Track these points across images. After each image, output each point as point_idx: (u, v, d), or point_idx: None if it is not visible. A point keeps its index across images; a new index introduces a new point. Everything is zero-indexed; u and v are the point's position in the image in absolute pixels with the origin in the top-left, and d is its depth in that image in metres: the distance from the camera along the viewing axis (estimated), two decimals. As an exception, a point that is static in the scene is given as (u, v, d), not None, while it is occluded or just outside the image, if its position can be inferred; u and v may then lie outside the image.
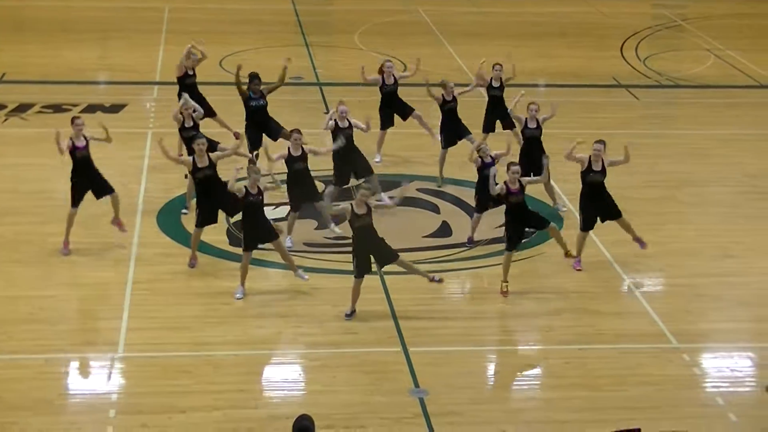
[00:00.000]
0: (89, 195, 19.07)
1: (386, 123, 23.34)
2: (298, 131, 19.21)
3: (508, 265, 18.12)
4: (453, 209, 21.45)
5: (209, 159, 18.37)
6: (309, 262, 18.91)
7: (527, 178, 18.22)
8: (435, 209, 21.46)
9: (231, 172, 17.70)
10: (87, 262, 18.79)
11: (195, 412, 14.70)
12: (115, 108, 26.70)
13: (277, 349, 16.61)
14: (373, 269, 17.26)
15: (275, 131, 21.89)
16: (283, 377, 15.96)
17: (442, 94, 22.17)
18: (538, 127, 20.66)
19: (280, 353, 16.51)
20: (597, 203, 18.75)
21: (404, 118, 23.44)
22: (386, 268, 17.78)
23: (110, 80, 29.41)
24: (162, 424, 14.45)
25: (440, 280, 17.64)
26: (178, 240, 19.71)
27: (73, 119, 18.97)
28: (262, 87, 21.71)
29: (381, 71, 23.17)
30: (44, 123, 25.42)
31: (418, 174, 22.97)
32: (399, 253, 17.27)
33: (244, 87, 21.63)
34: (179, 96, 22.47)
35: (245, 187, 17.34)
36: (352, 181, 20.98)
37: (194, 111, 20.49)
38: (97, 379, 15.56)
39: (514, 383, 16.11)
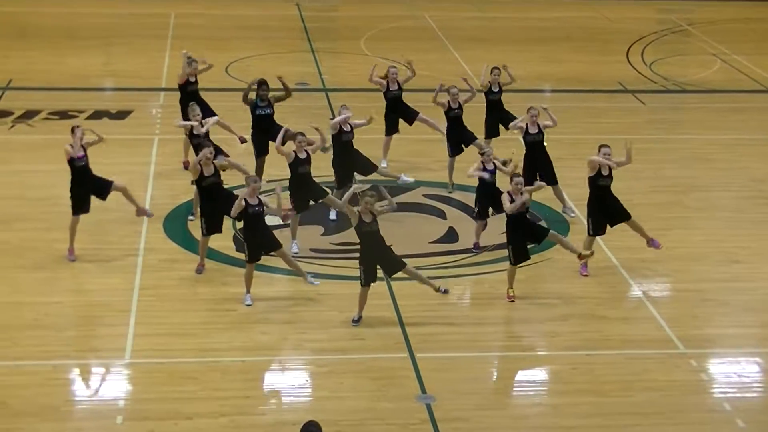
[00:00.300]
0: (94, 203, 19.04)
1: (391, 129, 23.32)
2: (303, 134, 19.19)
3: (512, 277, 18.10)
4: (459, 215, 21.43)
5: (214, 166, 18.37)
6: (316, 268, 18.89)
7: (527, 188, 18.13)
8: (441, 215, 21.45)
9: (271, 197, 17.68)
10: (93, 269, 18.80)
11: (201, 418, 14.70)
12: (121, 114, 26.73)
13: (284, 355, 16.60)
14: (379, 275, 17.24)
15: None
16: (290, 383, 15.96)
17: (448, 101, 22.16)
18: (540, 132, 20.64)
19: (286, 359, 16.50)
20: (606, 208, 18.73)
21: (410, 123, 23.42)
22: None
23: (116, 86, 29.44)
24: (168, 431, 14.44)
25: (446, 291, 17.63)
26: (184, 246, 19.71)
27: (72, 128, 18.89)
28: (270, 95, 21.69)
29: (386, 77, 23.17)
30: (50, 129, 25.47)
31: (424, 180, 22.95)
32: (405, 261, 17.25)
33: (252, 96, 21.61)
34: (181, 104, 22.52)
35: (244, 198, 17.30)
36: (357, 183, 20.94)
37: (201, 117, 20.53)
38: (103, 386, 15.57)
39: (521, 389, 16.10)
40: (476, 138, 22.29)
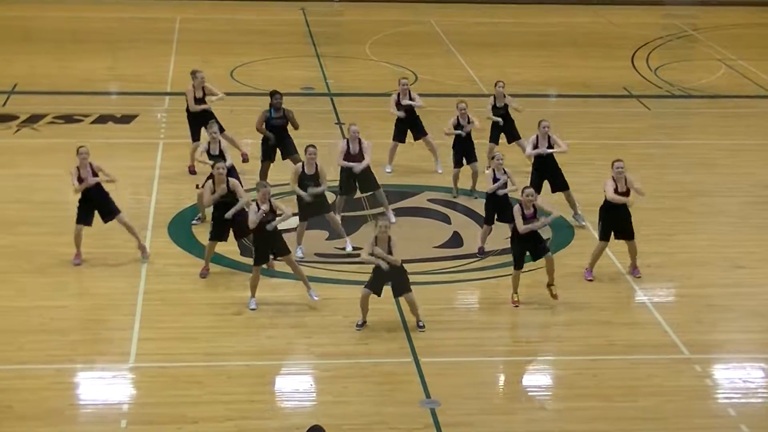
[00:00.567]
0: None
1: (398, 136, 23.32)
2: (313, 146, 19.18)
3: (516, 282, 18.10)
4: (464, 220, 21.43)
5: (228, 185, 18.36)
6: (320, 273, 18.90)
7: (543, 220, 17.98)
8: (446, 220, 21.46)
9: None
10: (98, 273, 18.82)
11: (206, 422, 14.70)
12: (126, 118, 26.75)
13: (289, 359, 16.60)
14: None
15: (289, 150, 21.78)
16: (295, 388, 15.96)
17: (457, 116, 22.09)
18: (550, 147, 20.60)
19: (291, 364, 16.50)
20: (616, 218, 18.73)
21: (415, 138, 23.45)
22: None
23: (121, 91, 29.46)
24: (173, 435, 14.49)
25: (423, 327, 17.45)
26: (189, 250, 19.72)
27: (78, 149, 18.86)
28: (284, 107, 21.62)
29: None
30: (56, 134, 25.51)
31: (428, 184, 22.97)
32: (411, 288, 17.17)
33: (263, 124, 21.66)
34: (190, 121, 22.54)
35: (256, 202, 17.30)
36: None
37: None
38: (108, 390, 15.56)
39: (525, 394, 16.08)
40: (476, 160, 22.22)
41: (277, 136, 21.64)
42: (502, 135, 23.12)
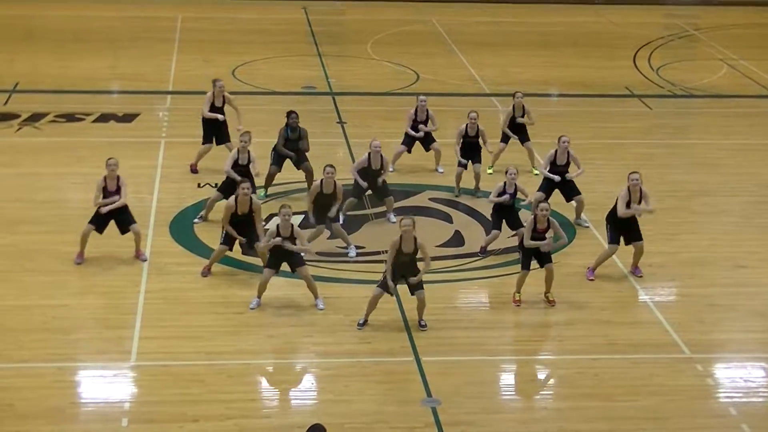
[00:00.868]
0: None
1: (408, 143, 23.25)
2: (331, 166, 19.19)
3: (522, 282, 18.09)
4: (466, 219, 21.43)
5: (250, 205, 18.32)
6: (322, 272, 18.90)
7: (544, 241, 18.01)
8: (448, 219, 21.45)
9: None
10: (100, 272, 18.81)
11: (207, 421, 14.70)
12: (128, 117, 26.74)
13: (290, 358, 16.60)
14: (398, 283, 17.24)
15: (301, 161, 21.76)
16: (296, 386, 15.96)
17: (466, 125, 22.10)
18: (568, 163, 20.52)
19: (292, 362, 16.50)
20: (627, 226, 18.74)
21: (426, 149, 23.42)
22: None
23: (123, 89, 29.46)
24: (174, 434, 14.50)
25: (424, 326, 17.45)
26: (190, 249, 19.72)
27: (107, 161, 18.87)
28: (300, 126, 21.63)
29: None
30: (57, 132, 25.51)
31: (430, 184, 22.97)
32: (423, 288, 17.12)
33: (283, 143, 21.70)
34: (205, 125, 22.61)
35: (277, 227, 17.31)
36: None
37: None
38: (109, 388, 15.55)
39: (526, 393, 16.07)
40: (480, 162, 22.19)
41: (289, 147, 21.60)
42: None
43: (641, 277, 19.05)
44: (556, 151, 20.56)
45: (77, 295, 18.14)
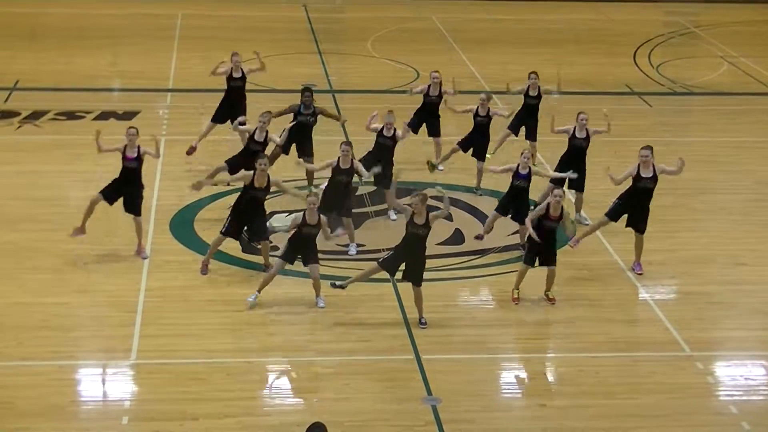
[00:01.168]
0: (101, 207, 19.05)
1: (413, 124, 23.28)
2: (348, 143, 19.19)
3: (521, 278, 18.07)
4: (466, 217, 21.43)
5: (268, 181, 18.31)
6: (322, 269, 18.83)
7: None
8: (448, 216, 21.41)
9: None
10: (100, 270, 18.81)
11: (207, 419, 14.71)
12: (128, 115, 26.72)
13: (290, 356, 16.59)
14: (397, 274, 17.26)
15: (305, 151, 21.66)
16: (296, 384, 15.97)
17: (478, 106, 22.15)
18: (587, 138, 20.59)
19: (292, 361, 16.49)
20: (635, 207, 18.76)
21: (429, 134, 23.47)
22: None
23: (123, 87, 29.46)
24: (174, 431, 14.46)
25: (424, 324, 17.46)
26: (190, 247, 19.72)
27: (127, 129, 18.94)
28: (316, 105, 21.65)
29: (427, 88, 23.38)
30: (58, 130, 25.51)
31: (435, 181, 22.95)
32: (421, 284, 17.18)
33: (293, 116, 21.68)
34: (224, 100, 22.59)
35: (303, 214, 17.30)
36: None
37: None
38: (109, 386, 15.58)
39: (527, 391, 16.08)
40: (484, 159, 22.23)
41: (301, 134, 21.58)
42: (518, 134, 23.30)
43: (641, 274, 19.06)
44: (575, 127, 20.67)
45: (78, 292, 18.14)
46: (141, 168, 18.90)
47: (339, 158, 19.09)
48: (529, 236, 17.88)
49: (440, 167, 23.42)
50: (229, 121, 22.87)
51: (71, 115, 26.59)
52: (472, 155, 22.38)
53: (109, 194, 18.91)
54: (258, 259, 18.88)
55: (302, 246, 17.49)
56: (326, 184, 19.50)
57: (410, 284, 17.20)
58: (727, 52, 34.73)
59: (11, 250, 19.38)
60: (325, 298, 17.73)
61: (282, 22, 37.12)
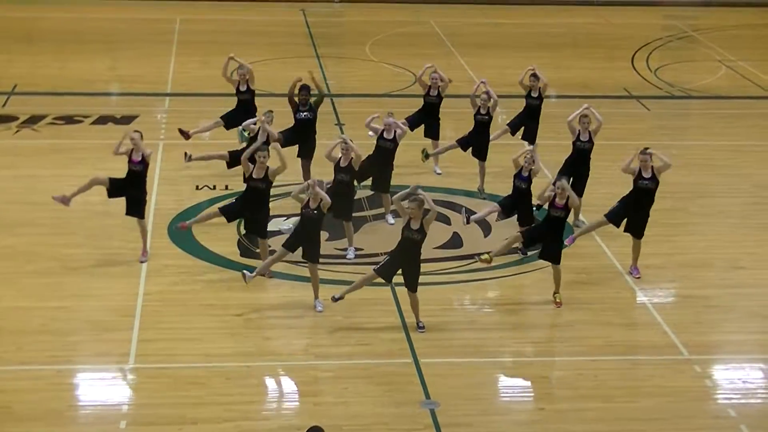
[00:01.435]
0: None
1: (410, 122, 23.29)
2: (345, 141, 19.17)
3: (508, 247, 18.04)
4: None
5: (267, 173, 18.34)
6: (320, 273, 18.84)
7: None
8: (446, 220, 21.45)
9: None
10: (98, 274, 18.80)
11: (206, 423, 14.71)
12: (126, 119, 26.72)
13: (289, 360, 16.59)
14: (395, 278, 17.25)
15: (306, 152, 21.77)
16: (294, 388, 15.97)
17: (479, 106, 22.14)
18: (590, 141, 20.59)
19: (291, 364, 16.48)
20: (634, 209, 18.76)
21: (426, 135, 23.46)
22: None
23: (121, 91, 29.45)
24: (173, 436, 14.50)
25: (423, 328, 17.45)
26: (189, 252, 19.71)
27: (131, 133, 18.86)
28: (311, 100, 21.71)
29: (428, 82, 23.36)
30: (56, 134, 25.50)
31: (429, 185, 22.93)
32: (416, 290, 17.16)
33: (296, 98, 21.65)
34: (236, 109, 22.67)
35: (308, 198, 17.32)
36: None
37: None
38: (107, 390, 15.57)
39: (526, 394, 16.09)
40: (485, 159, 22.22)
41: (301, 132, 21.63)
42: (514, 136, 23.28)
43: (639, 278, 19.07)
44: (579, 130, 20.65)
45: (76, 297, 18.13)
46: (146, 171, 18.89)
47: (341, 156, 19.11)
48: (536, 224, 18.00)
49: (438, 170, 23.41)
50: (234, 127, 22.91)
51: (69, 120, 26.58)
52: (472, 155, 22.36)
53: (114, 186, 18.86)
54: (257, 263, 18.86)
55: (305, 238, 17.45)
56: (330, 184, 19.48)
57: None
58: (725, 55, 34.75)
59: (10, 254, 19.38)
60: (324, 302, 17.72)
61: (280, 26, 37.12)
